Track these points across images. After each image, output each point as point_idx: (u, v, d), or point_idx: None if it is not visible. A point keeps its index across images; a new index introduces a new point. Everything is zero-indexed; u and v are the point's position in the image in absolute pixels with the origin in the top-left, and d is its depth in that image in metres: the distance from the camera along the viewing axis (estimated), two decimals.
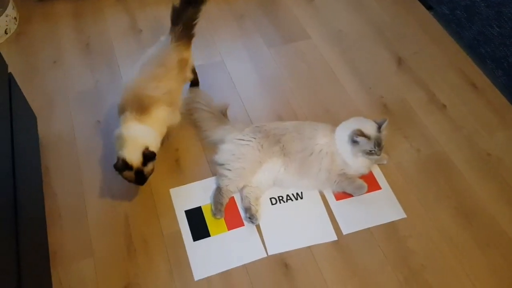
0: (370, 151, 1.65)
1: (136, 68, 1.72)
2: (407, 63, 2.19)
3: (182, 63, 1.76)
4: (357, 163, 1.70)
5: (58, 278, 1.52)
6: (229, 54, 2.22)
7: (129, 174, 1.56)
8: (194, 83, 2.03)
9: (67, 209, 1.68)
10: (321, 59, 2.21)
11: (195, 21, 1.78)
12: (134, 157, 1.54)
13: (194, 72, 1.98)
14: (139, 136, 1.59)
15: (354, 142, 1.65)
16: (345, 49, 2.26)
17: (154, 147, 1.59)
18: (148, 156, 1.55)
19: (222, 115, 1.89)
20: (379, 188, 1.77)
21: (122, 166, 1.54)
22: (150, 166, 1.58)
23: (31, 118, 1.81)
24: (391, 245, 1.63)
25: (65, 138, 1.89)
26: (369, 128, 1.66)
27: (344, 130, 1.71)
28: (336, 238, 1.64)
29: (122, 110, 1.64)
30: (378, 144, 1.65)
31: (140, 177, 1.57)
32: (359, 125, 1.68)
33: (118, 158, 1.55)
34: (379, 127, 1.67)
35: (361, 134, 1.64)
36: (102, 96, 2.04)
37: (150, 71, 1.69)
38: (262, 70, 2.16)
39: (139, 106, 1.61)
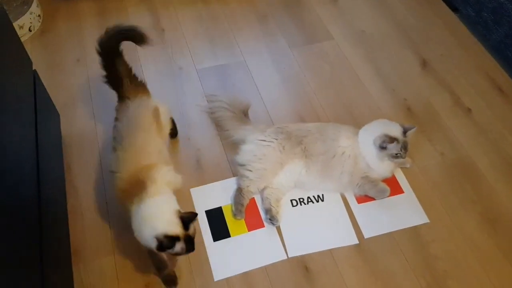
0: (396, 154, 1.62)
1: (119, 151, 1.49)
2: (431, 65, 2.16)
3: (156, 113, 1.60)
4: (382, 167, 1.68)
5: (80, 275, 1.53)
6: (251, 54, 2.21)
7: (180, 246, 1.32)
8: (172, 134, 1.82)
9: (89, 207, 1.69)
10: (344, 60, 2.19)
11: (131, 69, 1.64)
12: (174, 227, 1.31)
13: (172, 121, 1.78)
14: (163, 205, 1.37)
15: (382, 148, 1.63)
16: (368, 50, 2.23)
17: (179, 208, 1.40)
18: (188, 218, 1.34)
19: (243, 115, 1.88)
20: (402, 192, 1.74)
21: (169, 242, 1.29)
22: (192, 228, 1.35)
23: (55, 116, 1.83)
24: (413, 250, 1.60)
25: (87, 136, 1.90)
26: (395, 131, 1.64)
27: (368, 133, 1.68)
28: (357, 242, 1.62)
29: (126, 199, 1.40)
30: (405, 147, 1.62)
31: (191, 243, 1.35)
32: (384, 128, 1.65)
33: (157, 239, 1.29)
34: (404, 131, 1.64)
35: (390, 140, 1.61)
36: None
37: (134, 144, 1.48)
38: (284, 71, 2.15)
39: (142, 183, 1.38)
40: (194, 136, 1.91)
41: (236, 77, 2.13)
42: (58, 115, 1.86)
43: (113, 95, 2.03)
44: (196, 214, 1.35)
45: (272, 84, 2.10)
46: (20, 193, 1.22)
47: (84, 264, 1.56)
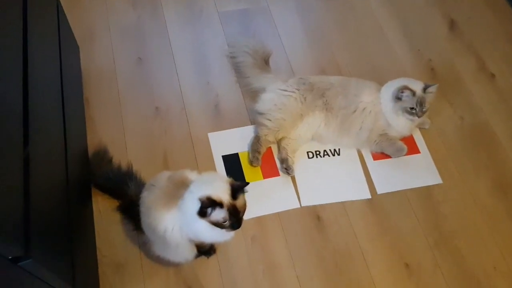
0: (411, 108, 1.62)
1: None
2: (459, 27, 2.11)
3: None
4: (400, 124, 1.68)
5: (98, 208, 1.57)
6: (275, 0, 2.15)
7: (221, 215, 1.16)
8: None
9: (108, 143, 1.70)
10: (371, 14, 2.13)
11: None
12: (220, 191, 1.17)
13: None
14: (211, 175, 1.29)
15: (397, 98, 1.62)
16: (397, 6, 2.17)
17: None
18: (238, 186, 1.19)
19: (264, 62, 1.86)
20: (418, 152, 1.75)
21: (209, 203, 1.15)
22: (241, 199, 1.21)
23: (75, 49, 1.80)
24: (424, 208, 1.63)
25: (106, 72, 1.89)
26: (415, 86, 1.63)
27: (389, 88, 1.67)
28: (370, 197, 1.65)
29: (168, 203, 1.25)
30: (421, 103, 1.61)
31: (236, 216, 1.19)
32: (405, 82, 1.64)
33: (200, 200, 1.15)
34: (425, 88, 1.63)
35: (406, 88, 1.60)
36: (144, 33, 2.02)
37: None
38: (309, 21, 2.10)
39: (182, 184, 1.26)
40: (214, 81, 1.89)
41: (259, 23, 2.08)
42: (78, 48, 1.83)
43: (131, 33, 2.01)
44: (247, 183, 1.20)
45: (295, 33, 2.06)
46: (47, 129, 1.21)
47: (102, 197, 1.58)
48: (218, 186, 1.18)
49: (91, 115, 1.76)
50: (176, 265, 1.46)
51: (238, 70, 1.89)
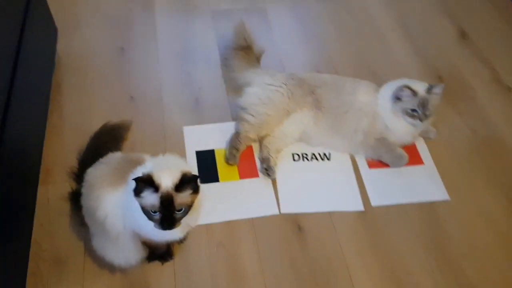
0: (412, 110, 1.41)
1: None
2: (470, 37, 1.94)
3: None
4: (400, 129, 1.47)
5: (47, 195, 1.37)
6: (272, 2, 2.03)
7: (151, 200, 0.94)
8: None
9: (71, 129, 1.54)
10: (374, 19, 1.99)
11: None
12: (166, 175, 0.94)
13: None
14: (170, 157, 1.06)
15: (397, 98, 1.42)
16: (401, 11, 2.04)
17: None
18: (189, 178, 0.96)
19: (256, 59, 1.69)
20: (421, 163, 1.53)
21: (145, 180, 0.94)
22: (186, 195, 0.96)
23: (51, 29, 1.68)
24: (426, 226, 1.38)
25: (84, 58, 1.76)
26: (418, 86, 1.42)
27: (389, 88, 1.48)
28: (362, 209, 1.41)
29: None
30: (423, 105, 1.40)
31: (166, 208, 0.94)
32: (407, 82, 1.44)
33: (143, 174, 0.96)
34: (429, 89, 1.43)
35: (407, 87, 1.41)
36: (130, 24, 1.91)
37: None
38: (306, 21, 1.97)
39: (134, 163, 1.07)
40: (196, 74, 1.75)
41: (253, 24, 1.93)
42: (56, 29, 1.71)
43: (117, 22, 1.89)
44: (197, 177, 0.97)
45: (291, 35, 1.92)
46: None
47: (54, 184, 1.39)
48: (167, 170, 0.96)
49: (58, 99, 1.61)
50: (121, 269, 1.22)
51: (226, 63, 1.74)
